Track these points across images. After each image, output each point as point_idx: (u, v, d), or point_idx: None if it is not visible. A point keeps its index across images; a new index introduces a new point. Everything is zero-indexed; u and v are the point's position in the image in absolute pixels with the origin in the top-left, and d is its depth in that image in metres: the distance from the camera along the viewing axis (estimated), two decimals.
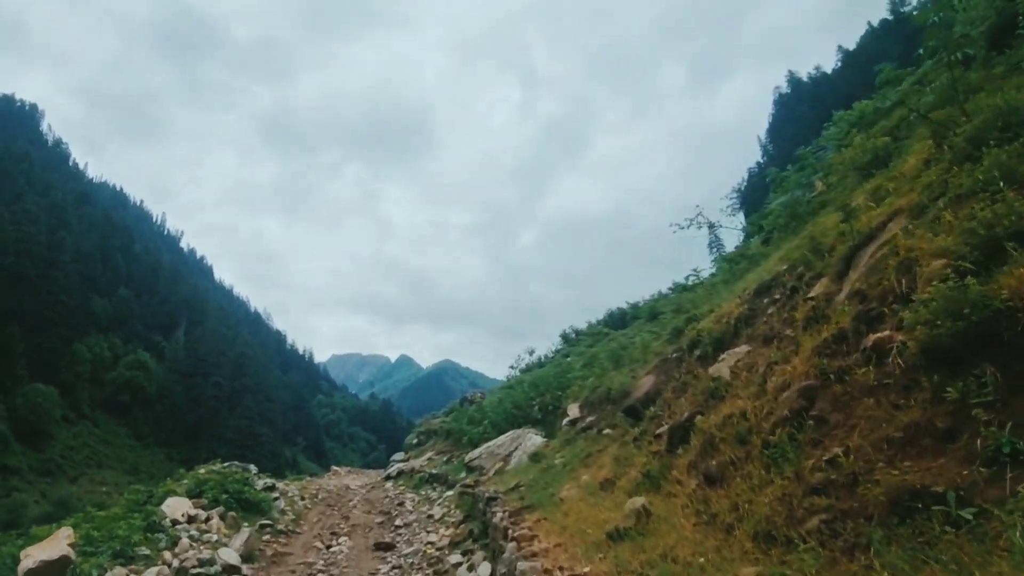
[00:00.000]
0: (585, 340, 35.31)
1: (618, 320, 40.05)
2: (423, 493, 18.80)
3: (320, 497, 18.39)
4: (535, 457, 11.91)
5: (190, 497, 12.42)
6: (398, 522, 13.91)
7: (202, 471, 14.30)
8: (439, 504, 15.29)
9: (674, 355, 8.05)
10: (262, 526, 12.26)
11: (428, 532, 12.39)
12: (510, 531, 6.57)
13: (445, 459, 21.84)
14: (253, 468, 15.38)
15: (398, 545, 11.60)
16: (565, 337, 40.16)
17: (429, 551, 10.45)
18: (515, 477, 10.38)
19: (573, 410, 12.61)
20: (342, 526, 13.80)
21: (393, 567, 9.80)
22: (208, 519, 11.05)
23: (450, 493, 16.05)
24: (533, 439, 14.11)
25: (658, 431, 6.44)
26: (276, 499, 14.45)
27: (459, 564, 8.72)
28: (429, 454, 24.92)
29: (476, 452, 17.10)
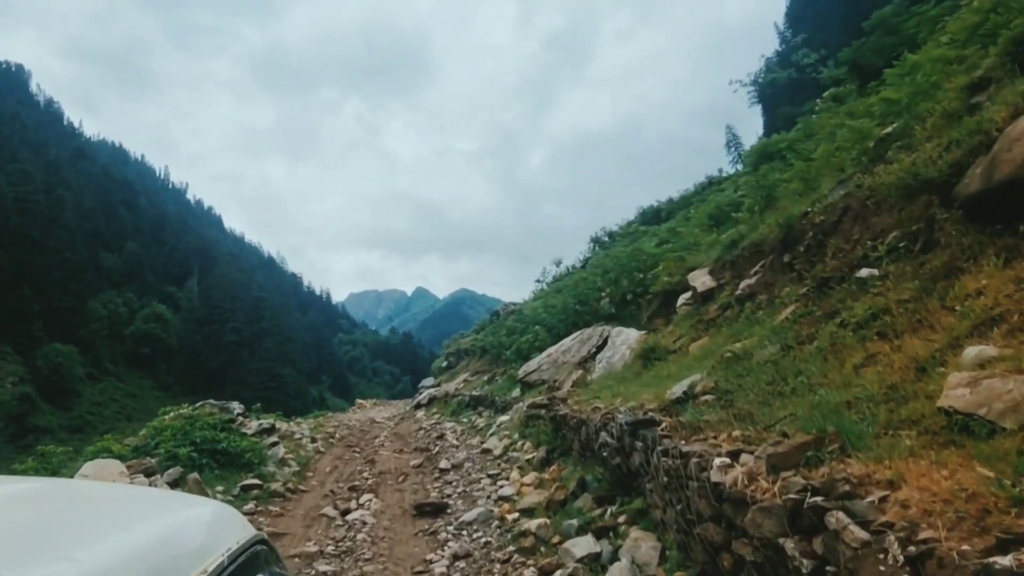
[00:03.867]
0: (621, 240, 30.75)
1: (652, 217, 35.50)
2: (465, 420, 14.50)
3: (338, 436, 14.10)
4: (651, 354, 7.34)
5: (137, 456, 8.05)
6: (443, 464, 9.51)
7: (169, 415, 9.89)
8: (494, 434, 10.92)
9: None
10: (245, 489, 7.89)
11: (493, 479, 7.98)
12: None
13: (485, 379, 17.51)
14: (236, 406, 10.92)
15: (452, 504, 7.16)
16: (596, 240, 35.60)
17: (511, 518, 5.99)
18: (643, 387, 5.87)
19: (701, 279, 7.97)
20: (365, 475, 9.45)
21: (455, 557, 5.32)
22: None
23: (505, 418, 11.69)
24: (625, 335, 9.56)
25: None
26: (273, 445, 10.08)
27: (596, 556, 4.25)
28: (463, 376, 20.64)
29: (532, 364, 12.65)
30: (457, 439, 12.16)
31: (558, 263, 34.00)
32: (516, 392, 13.28)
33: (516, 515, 5.89)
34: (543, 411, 8.96)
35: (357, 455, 11.54)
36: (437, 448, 11.42)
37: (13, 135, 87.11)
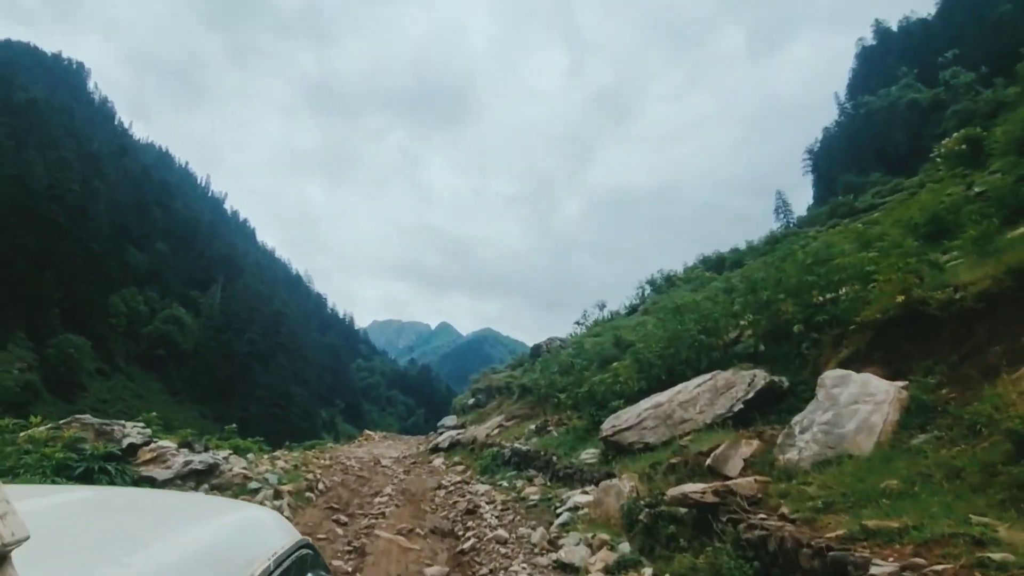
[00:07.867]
0: (683, 286, 26.36)
1: (715, 264, 31.43)
2: (506, 485, 9.86)
3: (323, 486, 9.58)
4: None
5: None
6: None
7: (21, 435, 5.49)
8: (570, 528, 6.33)
9: None
10: None
11: None
12: None
13: (532, 427, 12.86)
14: (132, 429, 6.31)
15: None
16: (652, 283, 31.22)
17: None
18: None
19: None
20: None
21: None
22: None
23: (584, 499, 7.09)
24: (859, 384, 4.99)
25: None
26: None
27: None
28: (497, 419, 16.00)
29: (626, 415, 8.06)
30: (500, 520, 7.56)
31: (602, 307, 29.75)
32: (590, 455, 8.71)
33: None
34: (699, 514, 4.42)
35: (340, 532, 7.00)
36: (470, 537, 6.84)
37: (60, 126, 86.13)
